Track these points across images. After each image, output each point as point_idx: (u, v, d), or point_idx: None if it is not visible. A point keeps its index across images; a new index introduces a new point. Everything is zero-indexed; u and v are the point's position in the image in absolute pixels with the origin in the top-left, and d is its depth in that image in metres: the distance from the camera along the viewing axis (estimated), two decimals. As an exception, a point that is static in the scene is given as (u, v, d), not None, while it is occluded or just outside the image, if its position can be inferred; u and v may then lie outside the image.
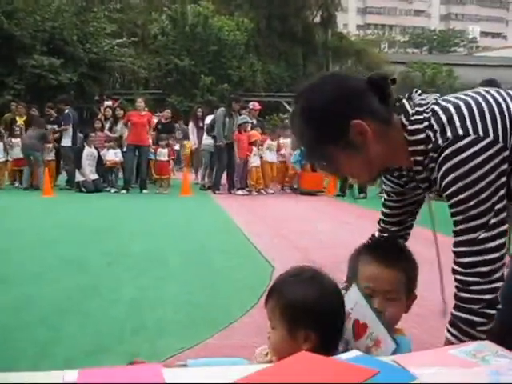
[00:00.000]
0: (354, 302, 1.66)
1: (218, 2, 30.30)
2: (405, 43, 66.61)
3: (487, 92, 1.61)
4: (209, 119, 14.14)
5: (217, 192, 12.88)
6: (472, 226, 1.52)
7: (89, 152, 13.13)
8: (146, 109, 13.84)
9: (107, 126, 13.88)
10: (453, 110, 1.55)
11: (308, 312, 1.54)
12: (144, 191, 12.88)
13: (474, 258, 1.53)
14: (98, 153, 13.30)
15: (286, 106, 27.99)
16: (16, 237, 7.05)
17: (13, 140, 13.81)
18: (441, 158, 1.53)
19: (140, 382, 1.14)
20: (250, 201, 11.93)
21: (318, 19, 34.57)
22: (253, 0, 31.02)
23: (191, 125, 14.89)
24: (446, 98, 1.64)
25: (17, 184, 13.96)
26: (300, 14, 32.42)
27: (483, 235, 1.51)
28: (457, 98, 1.62)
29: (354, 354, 1.32)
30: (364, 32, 63.82)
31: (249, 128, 13.17)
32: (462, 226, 1.54)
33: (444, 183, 1.54)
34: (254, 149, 12.93)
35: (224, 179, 13.32)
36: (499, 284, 1.54)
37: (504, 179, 1.52)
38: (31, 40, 21.31)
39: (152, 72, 27.31)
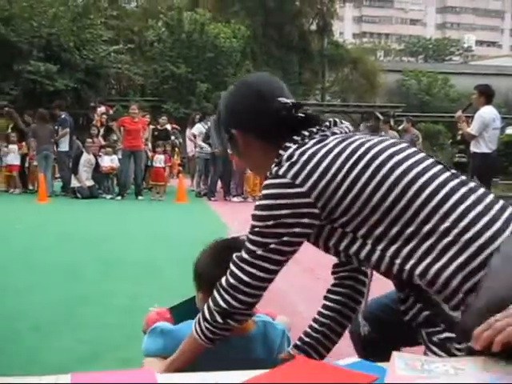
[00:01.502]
0: None
1: (214, 9, 30.36)
2: (400, 52, 66.83)
3: (353, 146, 1.63)
4: (196, 129, 14.12)
5: (212, 199, 12.88)
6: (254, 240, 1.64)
7: (86, 158, 13.15)
8: (145, 114, 13.86)
9: (101, 132, 13.95)
10: (297, 152, 1.63)
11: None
12: (139, 197, 12.88)
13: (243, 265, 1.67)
14: (96, 159, 13.32)
15: (282, 113, 28.08)
16: (10, 244, 7.03)
17: (10, 146, 13.83)
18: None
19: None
20: (246, 207, 11.85)
21: (314, 27, 34.70)
22: (249, 7, 31.08)
23: (188, 131, 14.90)
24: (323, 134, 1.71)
25: (12, 190, 13.93)
26: (296, 22, 32.51)
27: (260, 252, 1.62)
28: (322, 141, 1.67)
29: (351, 360, 1.36)
30: (360, 40, 64.09)
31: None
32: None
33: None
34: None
35: (219, 186, 13.32)
36: (242, 305, 1.67)
37: (300, 230, 1.60)
38: (28, 46, 21.29)
39: (148, 79, 27.30)
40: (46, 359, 3.35)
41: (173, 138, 15.29)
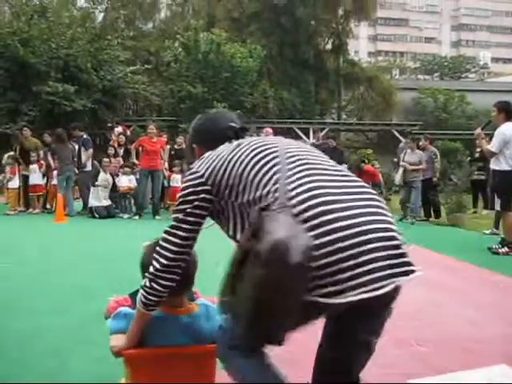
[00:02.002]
0: None
1: (230, 29, 30.56)
2: (416, 70, 66.87)
3: (237, 145, 2.31)
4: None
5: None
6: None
7: (103, 177, 13.20)
8: (163, 134, 13.92)
9: (120, 153, 14.03)
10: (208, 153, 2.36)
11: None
12: (157, 217, 12.86)
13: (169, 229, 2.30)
14: (113, 179, 13.37)
15: (298, 132, 28.06)
16: (28, 264, 7.03)
17: (30, 166, 13.95)
18: None
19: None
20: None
21: (329, 46, 34.79)
22: (265, 27, 31.27)
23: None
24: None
25: (30, 210, 14.00)
26: (311, 42, 32.64)
27: (181, 216, 2.28)
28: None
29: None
30: (375, 59, 64.20)
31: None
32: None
33: None
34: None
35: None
36: (170, 262, 2.26)
37: (199, 203, 2.26)
38: (46, 67, 21.53)
39: (165, 99, 27.45)
40: (63, 381, 3.31)
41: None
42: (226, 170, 2.20)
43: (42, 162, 14.17)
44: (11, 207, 13.84)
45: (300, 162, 2.17)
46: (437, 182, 14.01)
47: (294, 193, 2.02)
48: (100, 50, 23.39)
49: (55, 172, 13.74)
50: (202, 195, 2.24)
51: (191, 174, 2.29)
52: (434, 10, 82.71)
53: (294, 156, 2.20)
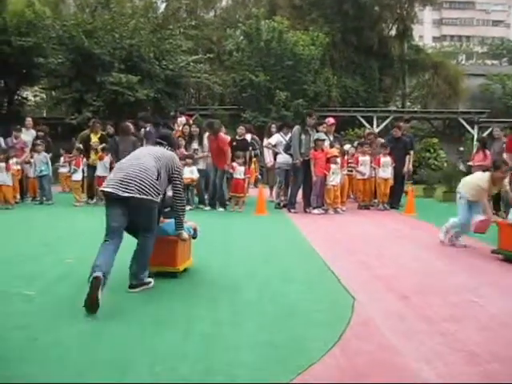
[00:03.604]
0: None
1: (292, 17, 30.19)
2: (483, 55, 64.77)
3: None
4: (274, 138, 14.04)
5: (292, 211, 12.60)
6: None
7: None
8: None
9: (182, 143, 13.88)
10: None
11: None
12: (219, 209, 12.79)
13: None
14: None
15: (362, 120, 27.56)
16: (87, 259, 6.97)
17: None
18: None
19: None
20: (327, 220, 11.55)
21: (393, 32, 33.95)
22: (327, 14, 30.72)
23: (266, 141, 14.73)
24: None
25: (95, 200, 14.13)
26: (375, 27, 31.87)
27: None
28: None
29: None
30: (440, 44, 62.53)
31: (325, 144, 12.85)
32: None
33: None
34: (333, 167, 12.50)
35: (299, 197, 13.03)
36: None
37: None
38: (110, 57, 21.70)
39: (227, 88, 27.40)
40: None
41: (250, 148, 15.05)
42: None
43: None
44: (77, 200, 13.96)
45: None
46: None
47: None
48: (162, 40, 23.44)
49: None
50: None
51: None
52: (502, -9, 79.96)
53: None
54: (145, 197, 5.17)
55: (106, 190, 5.18)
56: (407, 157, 13.71)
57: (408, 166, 13.78)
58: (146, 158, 5.43)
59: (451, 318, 4.69)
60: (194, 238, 6.40)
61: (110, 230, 5.16)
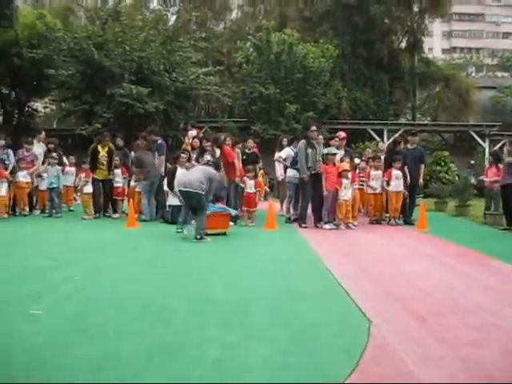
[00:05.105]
0: None
1: (302, 29, 30.22)
2: (493, 67, 64.53)
3: None
4: (285, 152, 13.96)
5: (303, 225, 12.44)
6: None
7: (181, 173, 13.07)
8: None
9: (194, 156, 13.77)
10: None
11: None
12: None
13: None
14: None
15: (372, 133, 27.42)
16: (95, 276, 6.85)
17: (115, 171, 14.31)
18: None
19: None
20: (339, 236, 11.36)
21: (403, 44, 33.90)
22: (337, 27, 30.72)
23: (277, 155, 14.62)
24: None
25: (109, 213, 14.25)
26: (385, 40, 31.88)
27: None
28: None
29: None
30: (450, 56, 62.41)
31: (337, 158, 12.72)
32: None
33: None
34: (345, 181, 12.35)
35: (310, 212, 12.87)
36: None
37: None
38: (120, 69, 21.75)
39: (237, 100, 27.39)
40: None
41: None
42: None
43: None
44: (86, 213, 13.88)
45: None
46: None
47: None
48: (172, 52, 23.48)
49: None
50: None
51: None
52: (512, 4, 79.79)
53: None
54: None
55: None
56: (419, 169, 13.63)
57: (419, 179, 13.65)
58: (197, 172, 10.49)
59: (472, 343, 4.52)
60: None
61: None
